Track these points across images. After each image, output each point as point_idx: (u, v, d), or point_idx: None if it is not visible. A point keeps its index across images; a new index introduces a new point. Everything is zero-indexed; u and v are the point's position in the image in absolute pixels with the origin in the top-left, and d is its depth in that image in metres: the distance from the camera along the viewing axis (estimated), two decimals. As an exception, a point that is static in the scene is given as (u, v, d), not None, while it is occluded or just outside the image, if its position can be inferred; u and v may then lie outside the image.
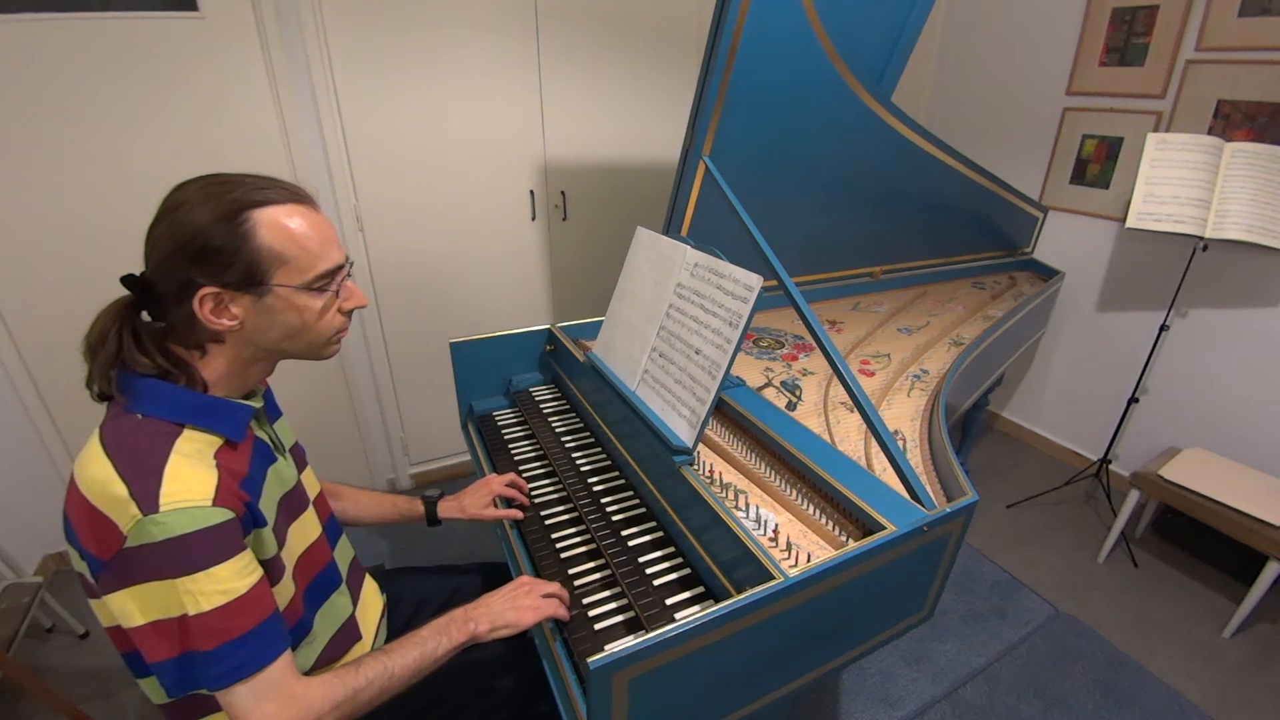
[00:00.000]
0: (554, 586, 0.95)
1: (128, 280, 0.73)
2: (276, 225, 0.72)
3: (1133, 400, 2.30)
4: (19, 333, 1.81)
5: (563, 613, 0.92)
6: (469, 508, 1.18)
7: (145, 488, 0.65)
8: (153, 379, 0.72)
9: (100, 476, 0.66)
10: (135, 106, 1.72)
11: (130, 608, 0.66)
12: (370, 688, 0.77)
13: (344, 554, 1.00)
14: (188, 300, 0.71)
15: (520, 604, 0.89)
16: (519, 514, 1.17)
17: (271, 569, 0.77)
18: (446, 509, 1.20)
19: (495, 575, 1.25)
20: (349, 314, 0.83)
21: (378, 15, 1.90)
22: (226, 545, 0.68)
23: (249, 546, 0.72)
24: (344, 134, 1.99)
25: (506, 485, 1.21)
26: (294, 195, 0.76)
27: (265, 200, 0.72)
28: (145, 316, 0.75)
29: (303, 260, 0.74)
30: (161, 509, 0.64)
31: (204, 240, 0.69)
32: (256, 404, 0.82)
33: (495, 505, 1.19)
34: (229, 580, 0.68)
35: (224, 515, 0.68)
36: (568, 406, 1.50)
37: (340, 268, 0.79)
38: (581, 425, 1.42)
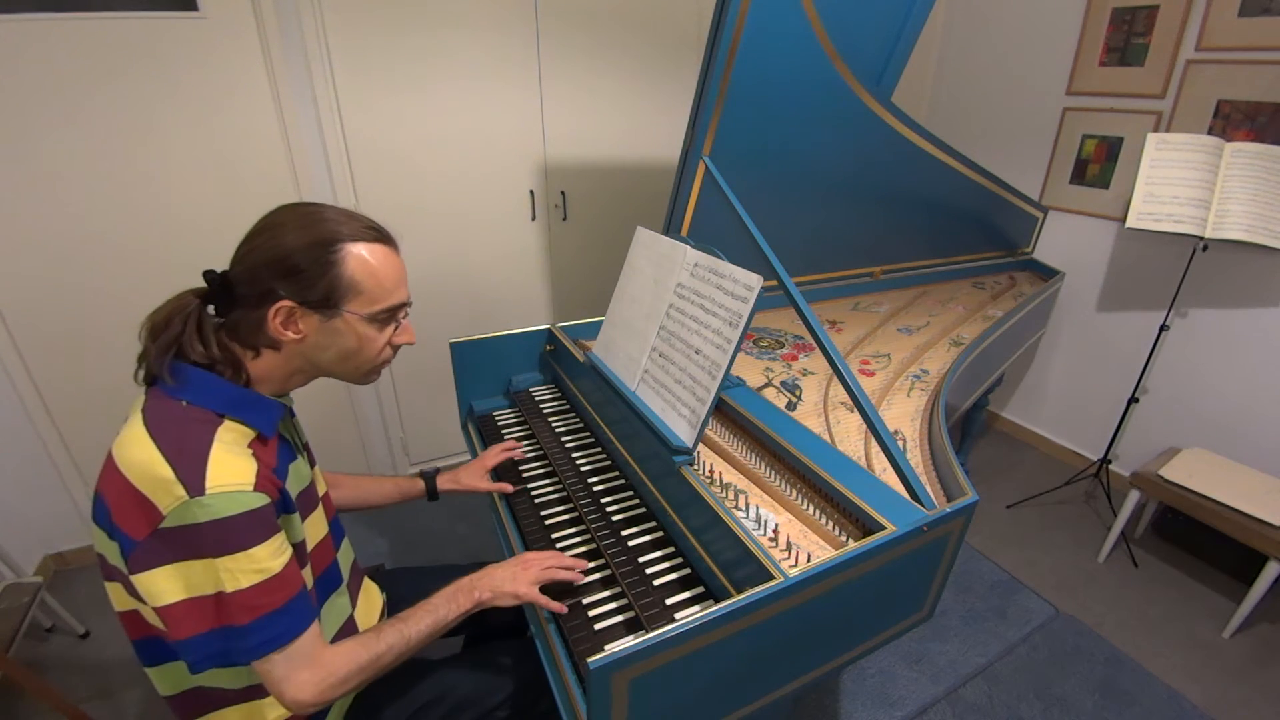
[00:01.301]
0: (554, 558, 0.98)
1: (210, 275, 0.78)
2: (363, 259, 0.80)
3: (1133, 400, 2.30)
4: (19, 333, 1.81)
5: (561, 575, 0.95)
6: (464, 479, 1.26)
7: (191, 471, 0.68)
8: (201, 369, 0.76)
9: (144, 459, 0.69)
10: (135, 107, 1.72)
11: (164, 585, 0.69)
12: (390, 652, 0.83)
13: (345, 556, 1.01)
14: (265, 307, 0.77)
15: (520, 577, 0.93)
16: (509, 488, 1.23)
17: (297, 553, 0.80)
18: (444, 482, 1.27)
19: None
20: (396, 348, 0.90)
21: (378, 15, 1.90)
22: (264, 527, 0.72)
23: (282, 529, 0.76)
24: (344, 134, 1.99)
25: (499, 454, 1.30)
26: (383, 236, 0.84)
27: (357, 235, 0.80)
28: (210, 310, 0.80)
29: (376, 294, 0.81)
30: (208, 492, 0.68)
31: (295, 260, 0.76)
32: (289, 402, 0.88)
33: (489, 480, 1.27)
34: (265, 560, 0.72)
35: (263, 500, 0.72)
36: (568, 406, 1.50)
37: (403, 306, 0.87)
38: (581, 425, 1.42)
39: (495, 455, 1.30)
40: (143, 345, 0.77)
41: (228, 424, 0.75)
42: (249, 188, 1.89)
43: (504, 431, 1.46)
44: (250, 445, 0.77)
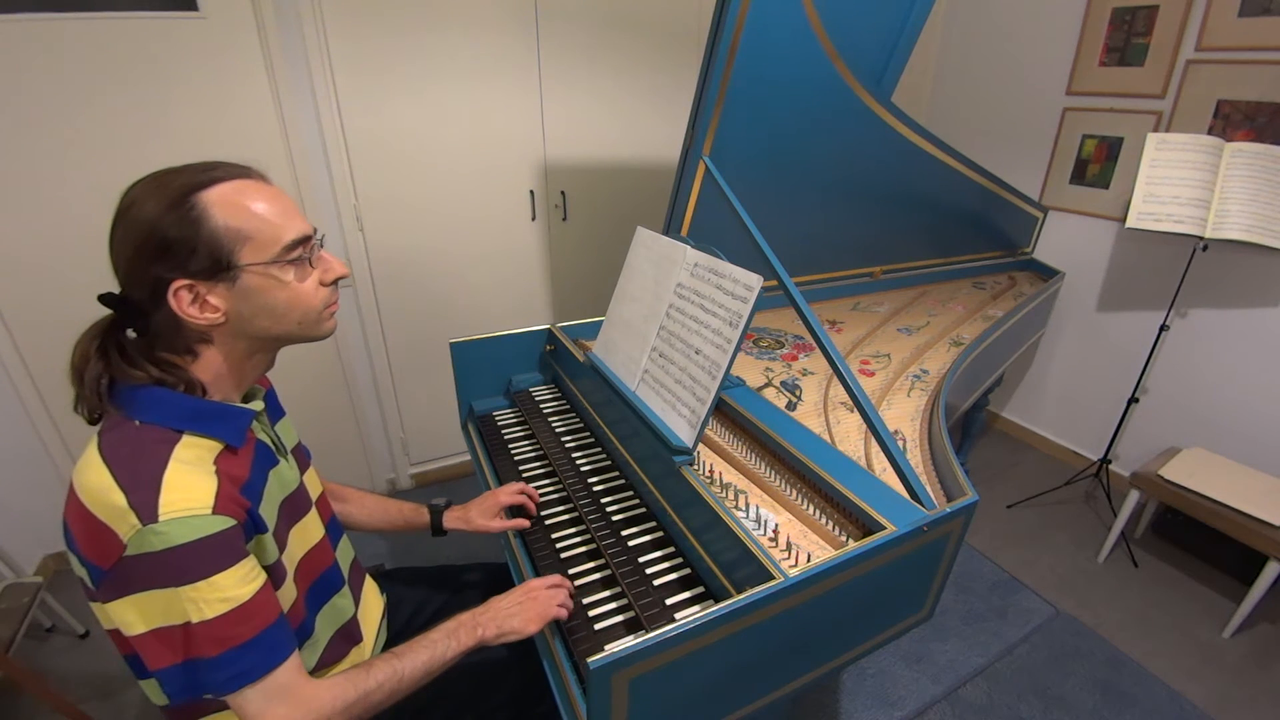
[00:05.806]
0: (555, 580, 0.96)
1: (105, 298, 0.72)
2: (228, 203, 0.70)
3: (1133, 400, 2.30)
4: (19, 333, 1.81)
5: (564, 613, 0.92)
6: (474, 519, 1.16)
7: (144, 497, 0.64)
8: (149, 387, 0.71)
9: (99, 485, 0.65)
10: (135, 106, 1.71)
11: (131, 616, 0.66)
12: (380, 690, 0.78)
13: (345, 555, 1.00)
14: (164, 300, 0.69)
15: (526, 612, 0.90)
16: (525, 523, 1.14)
17: (273, 574, 0.76)
18: (452, 520, 1.18)
19: (496, 575, 1.25)
20: (334, 285, 0.81)
21: (378, 15, 1.90)
22: (228, 553, 0.68)
23: (251, 553, 0.72)
24: (344, 134, 1.99)
25: (515, 494, 1.18)
26: (242, 171, 0.74)
27: (211, 180, 0.71)
28: (130, 333, 0.74)
29: (265, 233, 0.72)
30: (161, 518, 0.63)
31: (159, 233, 0.68)
32: (257, 407, 0.81)
33: (502, 517, 1.17)
34: (232, 588, 0.67)
35: (225, 523, 0.67)
36: (568, 406, 1.50)
37: (308, 238, 0.77)
38: (581, 425, 1.42)
39: (510, 494, 1.18)
40: (74, 390, 0.71)
41: (187, 439, 0.70)
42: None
43: (504, 431, 1.46)
44: (217, 460, 0.72)
